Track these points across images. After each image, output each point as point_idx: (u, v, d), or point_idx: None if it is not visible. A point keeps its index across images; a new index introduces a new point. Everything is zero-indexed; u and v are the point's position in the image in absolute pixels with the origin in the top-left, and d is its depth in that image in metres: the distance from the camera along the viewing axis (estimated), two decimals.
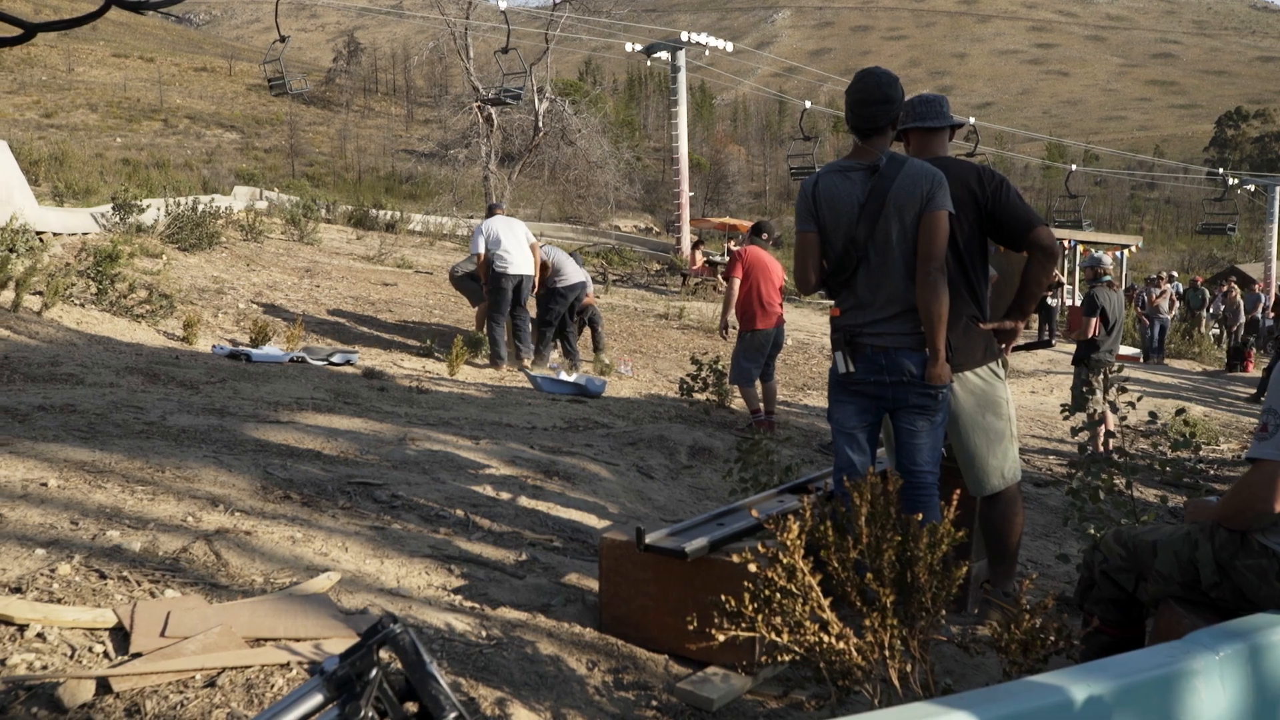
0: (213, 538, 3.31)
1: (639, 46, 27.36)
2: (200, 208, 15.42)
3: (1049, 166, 78.83)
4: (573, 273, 10.44)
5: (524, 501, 4.49)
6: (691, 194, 28.46)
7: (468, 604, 3.20)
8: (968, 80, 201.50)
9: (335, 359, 8.33)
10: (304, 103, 31.13)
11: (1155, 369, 17.99)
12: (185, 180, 36.49)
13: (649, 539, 3.11)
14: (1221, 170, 45.09)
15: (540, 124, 28.62)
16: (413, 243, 25.62)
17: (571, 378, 8.71)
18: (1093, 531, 4.14)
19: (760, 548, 2.39)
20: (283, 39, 23.19)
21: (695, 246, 23.60)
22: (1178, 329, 21.35)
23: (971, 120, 33.74)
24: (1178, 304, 23.10)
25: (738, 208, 75.17)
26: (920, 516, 2.53)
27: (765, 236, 8.60)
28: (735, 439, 6.21)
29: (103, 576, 2.91)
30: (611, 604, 3.25)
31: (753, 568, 2.36)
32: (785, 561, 2.31)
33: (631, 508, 4.84)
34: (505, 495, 4.52)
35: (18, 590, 2.79)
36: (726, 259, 23.08)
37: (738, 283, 7.37)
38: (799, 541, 2.33)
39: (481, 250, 9.91)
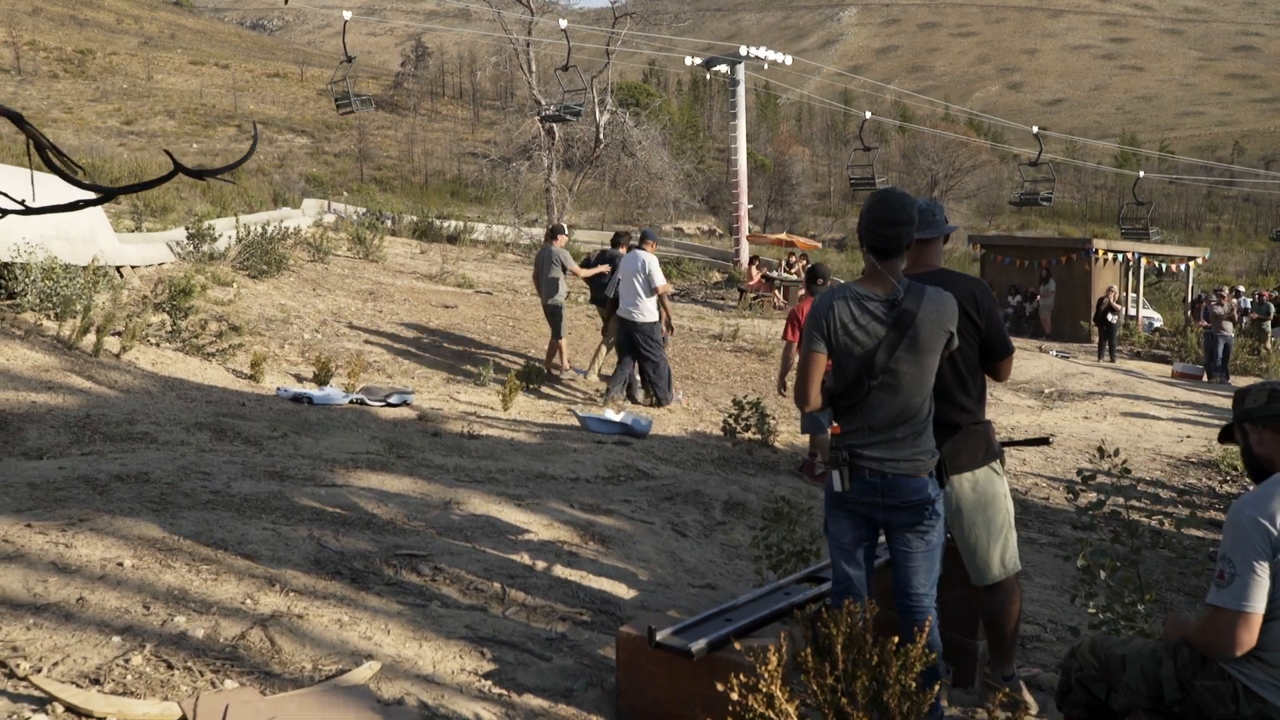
0: (268, 622, 3.66)
1: (698, 60, 27.59)
2: (269, 229, 16.04)
3: (1121, 165, 77.25)
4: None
5: (558, 571, 4.79)
6: (751, 205, 28.68)
7: (496, 690, 3.50)
8: (1038, 76, 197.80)
9: (393, 400, 8.73)
10: (373, 107, 31.94)
11: (1219, 388, 17.74)
12: (256, 190, 37.57)
13: (659, 637, 3.39)
14: None
15: (601, 135, 29.01)
16: (475, 255, 26.19)
17: (619, 417, 9.00)
18: (1092, 610, 4.31)
19: (741, 677, 2.65)
20: (349, 59, 23.85)
21: (753, 261, 23.77)
22: (1244, 344, 20.99)
23: (1035, 130, 33.37)
24: (1244, 318, 22.70)
25: (801, 209, 74.91)
26: (897, 640, 2.77)
27: (822, 283, 8.61)
28: (767, 497, 6.45)
29: (170, 667, 3.27)
30: (628, 693, 3.53)
31: (734, 695, 2.62)
32: (764, 690, 2.57)
33: (662, 573, 5.11)
34: (541, 564, 4.82)
35: (96, 681, 3.16)
36: (784, 273, 23.24)
37: (795, 345, 7.45)
38: (777, 672, 2.58)
39: (610, 294, 10.74)
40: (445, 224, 29.90)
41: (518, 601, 4.38)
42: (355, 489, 5.53)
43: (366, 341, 11.94)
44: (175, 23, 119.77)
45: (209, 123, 79.59)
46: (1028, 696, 3.89)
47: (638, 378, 10.65)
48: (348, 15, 23.20)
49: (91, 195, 2.77)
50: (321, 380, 9.49)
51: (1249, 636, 2.71)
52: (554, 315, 11.57)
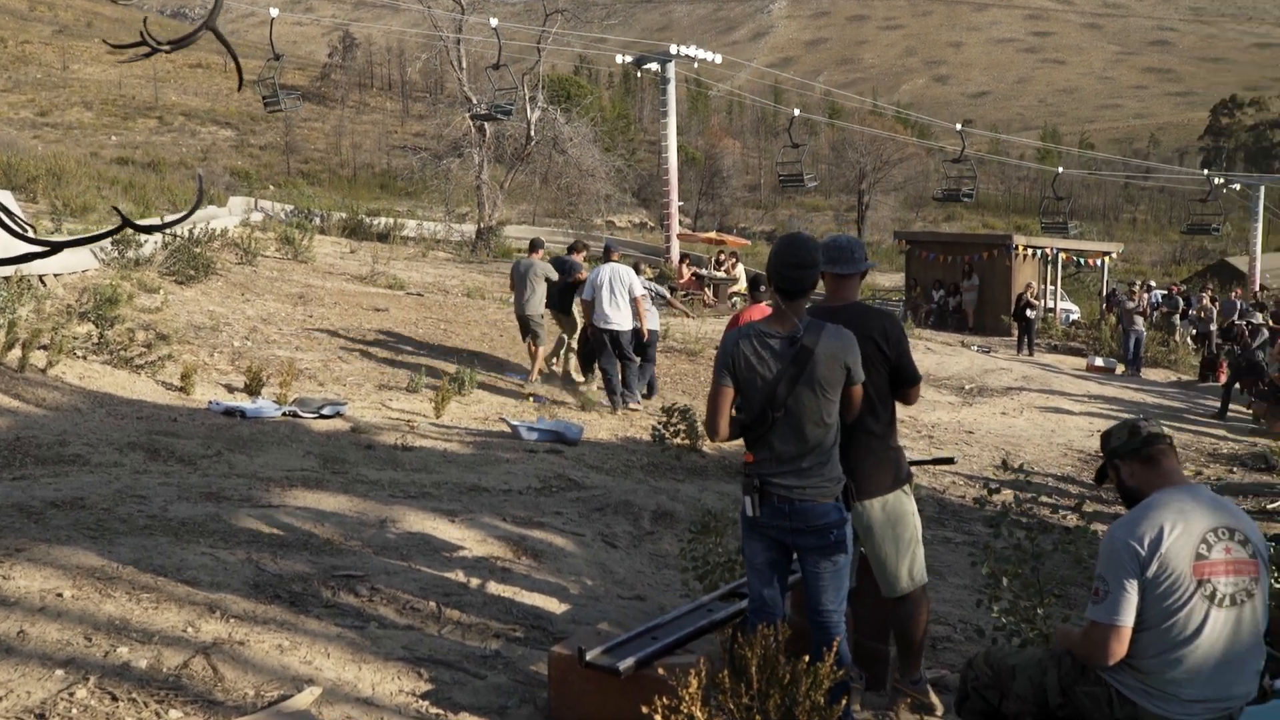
0: (210, 650, 3.78)
1: (629, 58, 27.77)
2: (195, 231, 15.90)
3: (1042, 159, 79.15)
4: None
5: (492, 587, 4.96)
6: (683, 203, 28.96)
7: (433, 710, 3.67)
8: (963, 69, 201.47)
9: (326, 411, 8.80)
10: (301, 105, 31.64)
11: (1130, 381, 18.44)
12: (181, 187, 36.90)
13: (589, 657, 3.58)
14: (1207, 170, 45.51)
15: (532, 132, 29.05)
16: (405, 254, 26.10)
17: (550, 424, 9.17)
18: (995, 613, 4.60)
19: (664, 699, 2.86)
20: (277, 57, 23.59)
21: (684, 260, 24.05)
22: (1154, 338, 21.81)
23: (958, 126, 34.17)
24: (1154, 312, 23.55)
25: (732, 202, 75.55)
26: (808, 660, 3.00)
27: (764, 289, 9.03)
28: (695, 506, 6.68)
29: (114, 699, 3.38)
30: (560, 710, 3.73)
31: (658, 716, 2.82)
32: (685, 711, 2.78)
33: (593, 586, 5.31)
34: (475, 581, 4.99)
35: (41, 716, 3.26)
36: (714, 271, 23.56)
37: None
38: (698, 694, 2.80)
39: (587, 298, 10.97)
40: (375, 222, 29.74)
41: (453, 620, 4.54)
42: (291, 508, 5.64)
43: (297, 348, 11.94)
44: (92, 10, 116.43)
45: (128, 114, 77.69)
46: (934, 699, 4.16)
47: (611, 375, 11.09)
48: (274, 12, 22.95)
49: (39, 249, 2.88)
50: (253, 391, 9.51)
51: (1120, 647, 3.00)
52: (533, 325, 11.75)
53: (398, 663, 3.97)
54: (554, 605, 4.94)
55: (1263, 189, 37.80)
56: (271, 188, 52.91)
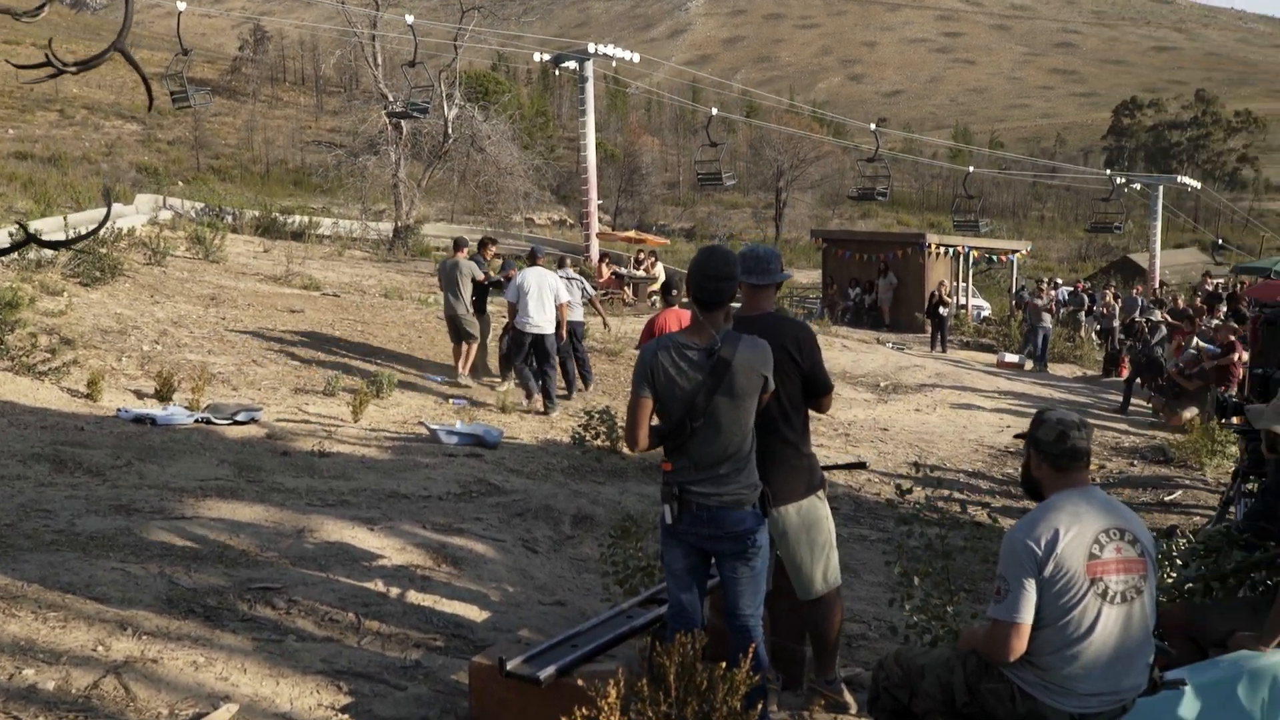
0: (121, 669, 3.72)
1: (547, 56, 27.71)
2: (101, 230, 15.44)
3: (954, 157, 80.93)
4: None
5: (412, 596, 4.95)
6: (601, 201, 28.97)
7: None
8: (877, 68, 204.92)
9: (240, 417, 8.64)
10: (211, 101, 30.89)
11: (1038, 376, 18.99)
12: (84, 183, 35.80)
13: (510, 666, 3.61)
14: (1110, 170, 47.03)
15: (449, 130, 28.79)
16: (321, 253, 25.68)
17: (469, 427, 9.14)
18: (907, 611, 4.74)
19: (583, 710, 2.90)
20: (185, 52, 23.01)
21: (603, 259, 24.09)
22: (1061, 334, 22.49)
23: (873, 125, 34.76)
24: (1061, 309, 24.28)
25: (651, 199, 75.75)
26: (725, 665, 3.07)
27: (675, 294, 9.19)
28: (615, 509, 6.73)
29: None
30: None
31: None
32: None
33: (514, 592, 5.33)
34: (395, 591, 4.97)
35: None
36: (633, 270, 23.64)
37: None
38: (616, 704, 2.85)
39: (512, 299, 10.99)
40: (290, 220, 29.20)
41: (373, 631, 4.52)
42: (206, 520, 5.54)
43: (210, 352, 11.69)
44: None
45: (26, 107, 75.00)
46: (848, 697, 4.28)
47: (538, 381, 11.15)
48: (182, 5, 22.38)
49: None
50: (164, 397, 9.29)
51: (1020, 644, 3.13)
52: (464, 324, 11.78)
53: (317, 676, 3.95)
54: (475, 613, 4.94)
55: (1161, 189, 39.18)
56: (180, 184, 51.54)
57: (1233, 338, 13.83)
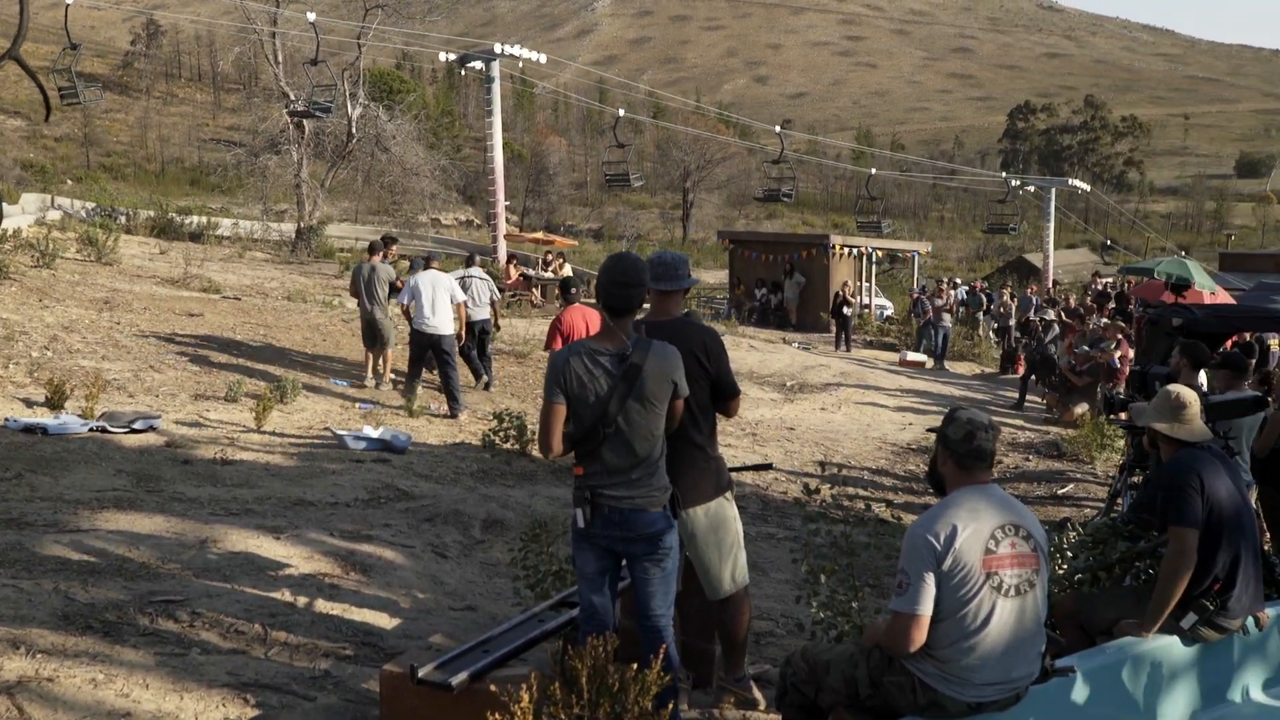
0: (15, 689, 3.60)
1: (452, 56, 27.45)
2: None
3: (857, 159, 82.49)
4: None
5: (320, 605, 4.89)
6: (509, 202, 28.80)
7: None
8: (782, 71, 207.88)
9: (138, 425, 8.39)
10: (103, 98, 29.89)
11: (938, 375, 19.51)
12: None
13: (421, 673, 3.60)
14: (1005, 173, 48.49)
15: (353, 129, 28.33)
16: (221, 254, 25.04)
17: (377, 433, 9.03)
18: (814, 608, 4.85)
19: (496, 715, 2.92)
20: (74, 46, 22.22)
21: (511, 260, 23.99)
22: (960, 333, 23.15)
23: (778, 128, 35.28)
24: (960, 309, 24.98)
25: (559, 199, 75.61)
26: (635, 667, 3.11)
27: (575, 292, 9.30)
28: (525, 513, 6.74)
29: None
30: None
31: None
32: None
33: (424, 599, 5.30)
34: (303, 600, 4.91)
35: None
36: (541, 272, 23.58)
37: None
38: (529, 708, 2.87)
39: (404, 300, 10.99)
40: (187, 220, 28.39)
41: (280, 641, 4.46)
42: (103, 532, 5.39)
43: (104, 358, 11.32)
44: None
45: None
46: (757, 694, 4.36)
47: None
48: None
49: None
50: (55, 405, 8.96)
51: (920, 635, 3.25)
52: (381, 329, 11.72)
53: (222, 689, 3.88)
54: (385, 621, 4.91)
55: (1054, 191, 40.51)
56: (70, 183, 49.76)
57: (1120, 336, 14.41)
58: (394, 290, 11.98)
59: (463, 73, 31.92)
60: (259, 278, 21.08)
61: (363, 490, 7.16)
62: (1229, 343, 10.77)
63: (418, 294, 10.86)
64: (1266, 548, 6.95)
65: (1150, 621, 3.96)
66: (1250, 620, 4.15)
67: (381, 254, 12.17)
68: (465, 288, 11.90)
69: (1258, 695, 4.28)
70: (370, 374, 11.85)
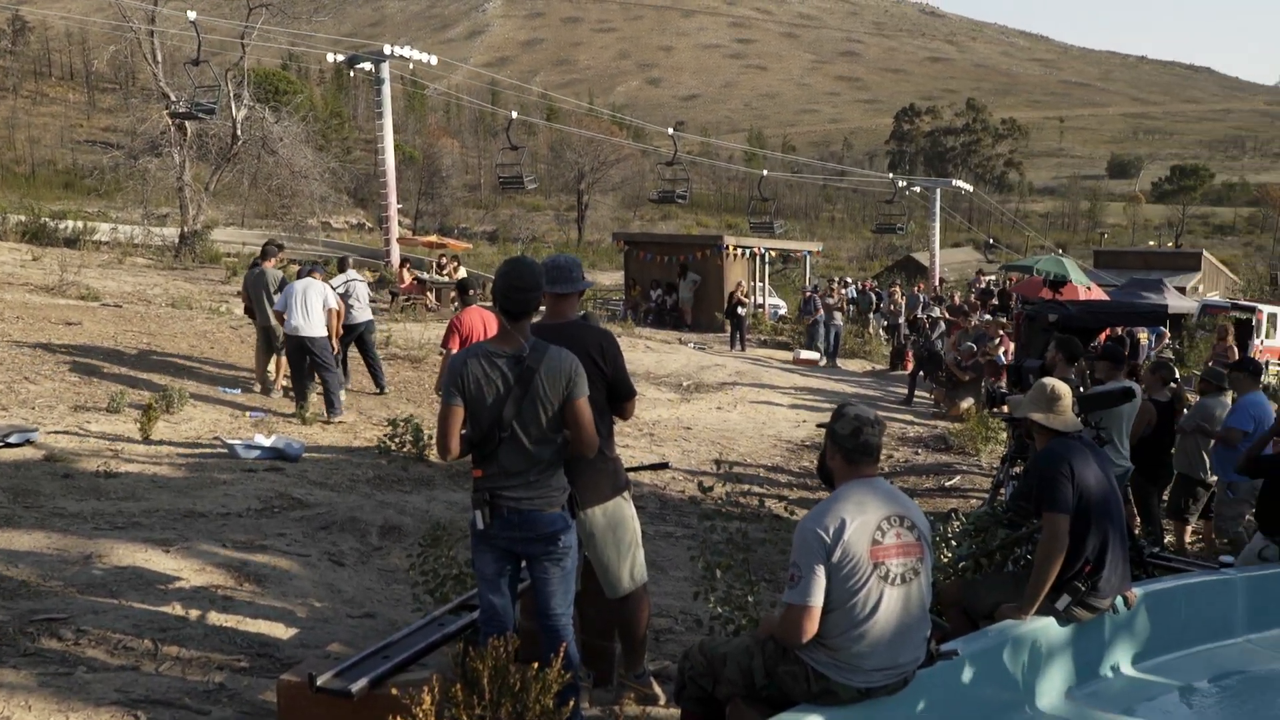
0: None
1: (341, 57, 26.97)
2: None
3: (749, 160, 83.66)
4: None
5: (213, 618, 4.80)
6: (401, 205, 28.41)
7: None
8: (674, 73, 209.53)
9: (13, 439, 8.06)
10: None
11: (831, 372, 19.95)
12: None
13: (320, 681, 3.57)
14: (892, 174, 49.77)
15: (238, 132, 27.58)
16: (99, 260, 24.13)
17: (269, 441, 8.86)
18: (711, 604, 4.96)
19: (399, 718, 2.92)
20: None
21: (404, 264, 23.70)
22: (851, 331, 23.70)
23: (671, 130, 35.58)
24: (851, 307, 25.59)
25: (453, 202, 74.83)
26: (537, 666, 3.15)
27: (473, 293, 9.29)
28: (423, 518, 6.70)
29: None
30: None
31: None
32: None
33: (321, 607, 5.24)
34: (195, 613, 4.81)
35: None
36: (436, 275, 23.35)
37: (454, 352, 7.81)
38: (431, 709, 2.88)
39: (279, 308, 10.86)
40: (62, 225, 27.24)
41: (172, 656, 4.36)
42: None
43: None
44: None
45: None
46: (657, 689, 4.44)
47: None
48: None
49: None
50: None
51: (812, 626, 3.36)
52: (276, 335, 11.45)
53: (111, 707, 3.79)
54: (280, 631, 4.84)
55: (939, 191, 41.76)
56: None
57: (1001, 332, 14.96)
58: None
59: (351, 74, 31.37)
60: (141, 284, 20.39)
61: (255, 500, 7.02)
62: (1102, 336, 11.31)
63: (290, 298, 10.77)
64: (1136, 531, 7.34)
65: (1028, 604, 4.16)
66: (1119, 599, 4.40)
67: (274, 260, 11.97)
68: (348, 294, 11.89)
69: (1127, 670, 4.53)
70: (277, 381, 11.62)
